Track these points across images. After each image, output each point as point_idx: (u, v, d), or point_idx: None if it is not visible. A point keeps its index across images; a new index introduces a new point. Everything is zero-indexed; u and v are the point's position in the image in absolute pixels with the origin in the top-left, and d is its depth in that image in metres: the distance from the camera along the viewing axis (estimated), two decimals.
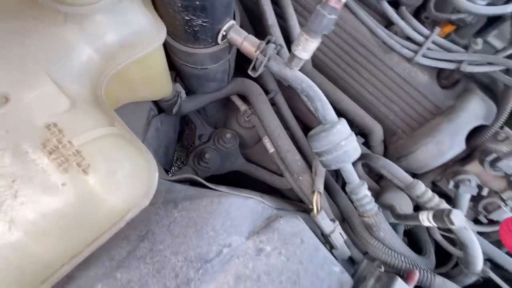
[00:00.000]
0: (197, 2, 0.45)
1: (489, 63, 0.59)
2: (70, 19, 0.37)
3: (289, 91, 0.80)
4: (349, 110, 0.71)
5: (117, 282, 0.38)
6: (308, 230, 0.49)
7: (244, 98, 0.86)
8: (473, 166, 0.62)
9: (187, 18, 0.48)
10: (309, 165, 0.71)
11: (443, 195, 0.66)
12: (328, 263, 0.48)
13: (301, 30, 0.47)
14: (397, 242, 0.58)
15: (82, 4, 0.37)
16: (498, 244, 0.63)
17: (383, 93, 0.67)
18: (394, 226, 0.63)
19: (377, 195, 0.70)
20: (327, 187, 0.69)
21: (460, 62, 0.60)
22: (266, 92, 0.82)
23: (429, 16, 0.66)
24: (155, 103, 0.72)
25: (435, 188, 0.72)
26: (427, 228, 0.74)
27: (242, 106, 0.85)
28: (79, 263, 0.35)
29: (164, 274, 0.40)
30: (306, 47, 0.48)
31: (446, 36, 0.68)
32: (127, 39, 0.43)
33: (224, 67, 0.68)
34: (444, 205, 0.53)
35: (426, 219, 0.53)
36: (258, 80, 0.82)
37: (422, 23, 0.66)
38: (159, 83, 0.61)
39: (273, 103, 0.82)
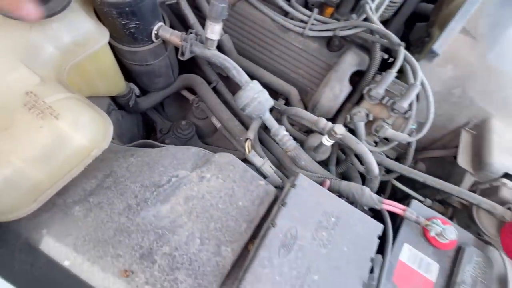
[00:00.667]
0: (127, 9, 0.63)
1: (355, 27, 0.81)
2: (35, 27, 0.54)
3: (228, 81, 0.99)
4: (270, 82, 0.91)
5: (90, 204, 0.52)
6: (237, 159, 0.65)
7: (193, 91, 1.04)
8: (364, 104, 0.82)
9: (123, 22, 0.66)
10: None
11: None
12: (255, 179, 0.64)
13: (206, 18, 0.66)
14: (316, 166, 0.76)
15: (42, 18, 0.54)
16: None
17: (290, 62, 0.87)
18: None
19: (302, 143, 0.89)
20: (262, 141, 0.86)
21: (335, 29, 0.82)
22: (210, 83, 1.01)
23: (313, 2, 0.89)
24: (114, 100, 0.88)
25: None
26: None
27: (191, 97, 1.03)
28: (57, 192, 0.49)
29: (126, 196, 0.54)
30: (213, 30, 0.67)
31: (331, 15, 0.92)
32: (78, 40, 0.60)
33: (165, 62, 0.86)
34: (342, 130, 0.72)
35: (325, 140, 0.72)
36: (201, 74, 1.01)
37: (310, 8, 0.89)
38: (113, 79, 0.78)
39: (216, 91, 1.01)
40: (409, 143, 0.85)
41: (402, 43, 0.73)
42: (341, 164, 0.90)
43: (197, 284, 0.51)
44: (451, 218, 0.83)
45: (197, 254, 0.53)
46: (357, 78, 0.88)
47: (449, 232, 0.63)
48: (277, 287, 0.49)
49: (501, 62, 0.76)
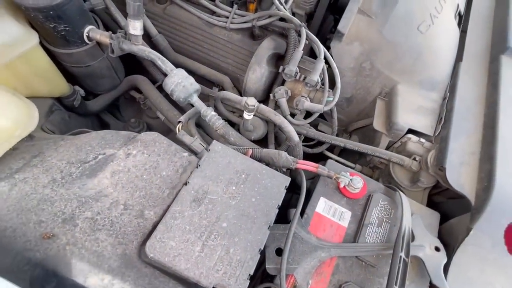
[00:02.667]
0: (52, 13, 0.71)
1: (269, 16, 0.92)
2: None
3: None
4: (205, 73, 1.00)
5: (15, 180, 0.57)
6: (162, 136, 0.72)
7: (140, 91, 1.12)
8: (286, 84, 0.92)
9: (51, 25, 0.74)
10: None
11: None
12: (179, 151, 0.70)
13: (127, 17, 0.75)
14: (245, 141, 0.83)
15: None
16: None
17: (219, 54, 0.97)
18: None
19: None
20: (201, 125, 0.93)
21: (253, 20, 0.92)
22: (157, 81, 1.09)
23: (237, 1, 1.00)
24: (60, 102, 0.94)
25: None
26: None
27: (138, 95, 1.10)
28: None
29: (52, 172, 0.60)
30: (134, 26, 0.76)
31: (255, 11, 1.02)
32: (6, 42, 0.67)
33: (106, 63, 0.94)
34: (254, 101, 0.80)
35: (245, 114, 0.80)
36: (147, 74, 1.09)
37: (233, 5, 0.99)
38: (52, 81, 0.85)
39: (162, 90, 1.09)
40: (332, 115, 0.94)
41: (303, 25, 0.83)
42: (282, 145, 0.98)
43: (117, 242, 0.56)
44: (377, 179, 0.91)
45: (119, 217, 0.59)
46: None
47: (356, 181, 0.70)
48: (187, 235, 0.55)
49: (394, 36, 0.87)
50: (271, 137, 0.98)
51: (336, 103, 0.99)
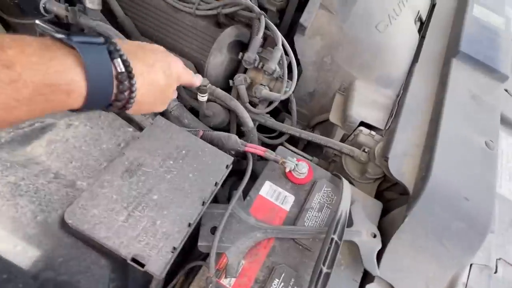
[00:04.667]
0: None
1: (235, 5, 0.93)
2: None
3: None
4: None
5: None
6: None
7: None
8: (248, 72, 0.92)
9: None
10: None
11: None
12: (124, 126, 0.69)
13: None
14: (199, 124, 0.83)
15: None
16: None
17: (183, 39, 0.97)
18: None
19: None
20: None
21: (218, 8, 0.93)
22: None
23: None
24: None
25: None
26: None
27: None
28: None
29: None
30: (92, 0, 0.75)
31: None
32: None
33: None
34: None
35: (199, 96, 0.79)
36: None
37: None
38: None
39: None
40: (291, 106, 0.95)
41: (263, 13, 0.85)
42: (244, 136, 0.98)
43: (39, 209, 0.54)
44: (332, 171, 0.92)
45: (46, 185, 0.56)
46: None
47: (301, 167, 0.70)
48: (112, 204, 0.53)
49: (354, 31, 0.90)
50: (233, 127, 0.98)
51: (299, 97, 1.00)
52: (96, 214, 0.51)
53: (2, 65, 0.29)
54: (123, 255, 0.49)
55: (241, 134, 0.98)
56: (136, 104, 0.43)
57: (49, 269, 0.52)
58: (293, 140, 1.02)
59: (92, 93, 0.36)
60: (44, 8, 0.81)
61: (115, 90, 0.40)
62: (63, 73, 0.34)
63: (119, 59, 0.39)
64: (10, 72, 0.30)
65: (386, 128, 0.83)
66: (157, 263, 0.49)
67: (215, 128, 0.92)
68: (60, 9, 0.80)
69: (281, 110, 1.09)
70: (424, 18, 1.09)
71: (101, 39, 0.39)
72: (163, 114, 0.90)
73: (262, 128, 0.97)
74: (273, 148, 0.97)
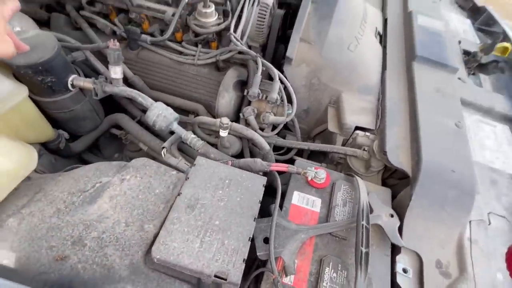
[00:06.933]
0: (40, 68, 0.81)
1: (230, 51, 1.10)
2: None
3: None
4: (180, 104, 1.13)
5: (22, 215, 0.63)
6: (151, 160, 0.82)
7: (120, 128, 1.21)
8: (253, 104, 1.08)
9: (39, 78, 0.84)
10: None
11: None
12: (168, 171, 0.80)
13: (108, 64, 0.87)
14: (224, 156, 0.95)
15: None
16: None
17: (191, 86, 1.12)
18: None
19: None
20: (185, 151, 1.04)
21: (216, 56, 1.10)
22: (135, 117, 1.19)
23: (200, 41, 1.18)
24: (46, 147, 1.00)
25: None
26: None
27: (119, 132, 1.19)
28: None
29: (56, 203, 0.67)
30: (115, 71, 0.88)
31: (217, 47, 1.20)
32: (1, 98, 0.75)
33: (88, 106, 1.04)
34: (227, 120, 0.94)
35: (221, 132, 0.93)
36: (125, 112, 1.20)
37: (197, 45, 1.16)
38: (40, 128, 0.92)
39: (142, 123, 1.19)
40: (294, 125, 1.11)
41: (258, 55, 1.02)
42: (256, 156, 1.12)
43: (124, 254, 0.64)
44: (340, 172, 1.07)
45: (123, 233, 0.67)
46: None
47: (320, 173, 0.85)
48: (186, 235, 0.64)
49: (332, 55, 1.09)
50: (246, 152, 1.11)
51: (296, 115, 1.17)
52: (176, 246, 0.62)
53: None
54: (207, 274, 0.60)
55: (252, 156, 1.12)
56: None
57: None
58: (298, 152, 1.17)
59: None
60: (72, 84, 0.92)
61: None
62: None
63: None
64: None
65: (377, 128, 1.01)
66: (235, 275, 0.60)
67: (234, 156, 1.06)
68: (86, 83, 0.92)
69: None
70: (381, 31, 1.32)
71: None
72: (187, 152, 1.03)
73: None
74: (285, 162, 1.12)
